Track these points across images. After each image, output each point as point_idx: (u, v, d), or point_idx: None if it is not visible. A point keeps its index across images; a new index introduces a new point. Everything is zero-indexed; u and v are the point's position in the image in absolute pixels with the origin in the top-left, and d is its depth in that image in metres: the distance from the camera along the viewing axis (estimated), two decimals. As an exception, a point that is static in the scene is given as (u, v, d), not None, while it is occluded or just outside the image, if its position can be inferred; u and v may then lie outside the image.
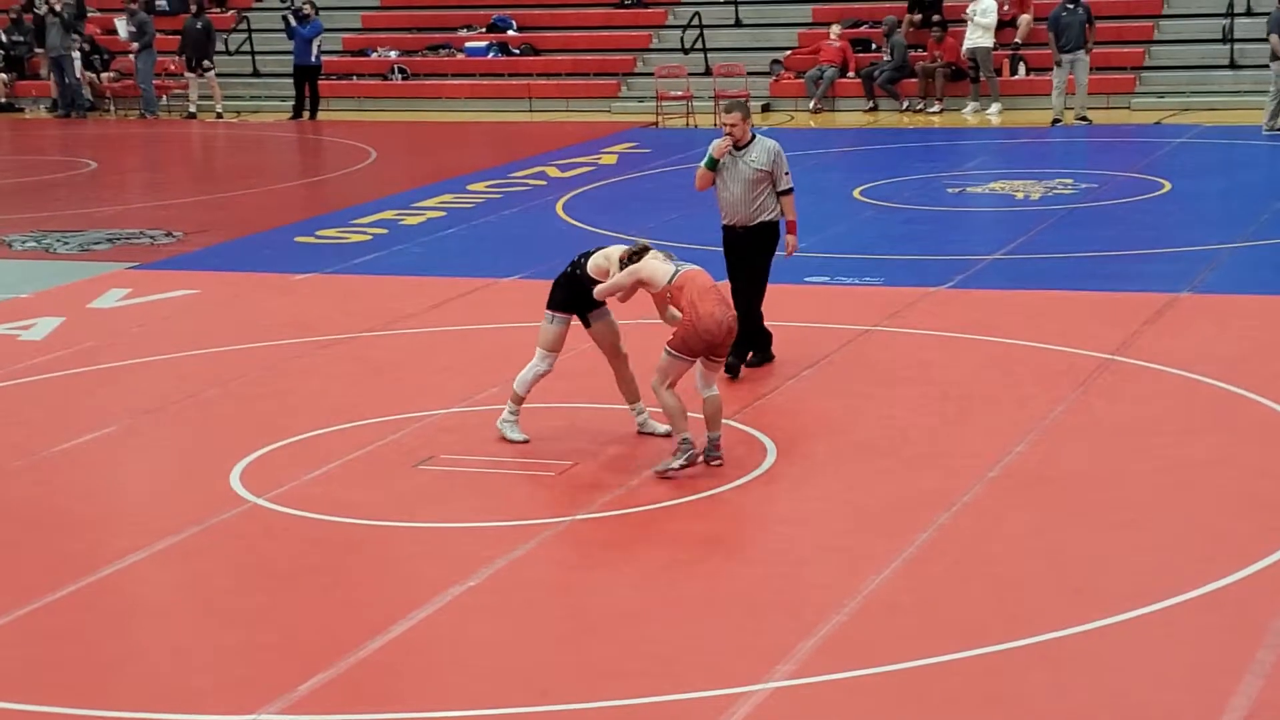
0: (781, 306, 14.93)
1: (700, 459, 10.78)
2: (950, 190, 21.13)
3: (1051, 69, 26.61)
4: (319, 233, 19.75)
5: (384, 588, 9.39)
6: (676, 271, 10.85)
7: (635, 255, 11.04)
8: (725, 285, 11.90)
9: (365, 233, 19.59)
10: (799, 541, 9.97)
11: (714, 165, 12.89)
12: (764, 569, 9.53)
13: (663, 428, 11.36)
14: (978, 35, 28.01)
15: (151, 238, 19.76)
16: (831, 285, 15.99)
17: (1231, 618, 8.56)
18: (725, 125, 12.85)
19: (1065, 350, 13.34)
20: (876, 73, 28.90)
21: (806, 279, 16.15)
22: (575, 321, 11.58)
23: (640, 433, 11.58)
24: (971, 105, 28.16)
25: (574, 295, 11.43)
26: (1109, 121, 26.67)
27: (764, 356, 13.14)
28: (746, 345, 12.88)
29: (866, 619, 8.66)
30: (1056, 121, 26.34)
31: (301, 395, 13.09)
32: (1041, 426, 11.54)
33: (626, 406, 11.68)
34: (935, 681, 7.99)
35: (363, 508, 10.49)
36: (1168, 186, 20.53)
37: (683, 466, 10.66)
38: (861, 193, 20.89)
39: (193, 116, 31.48)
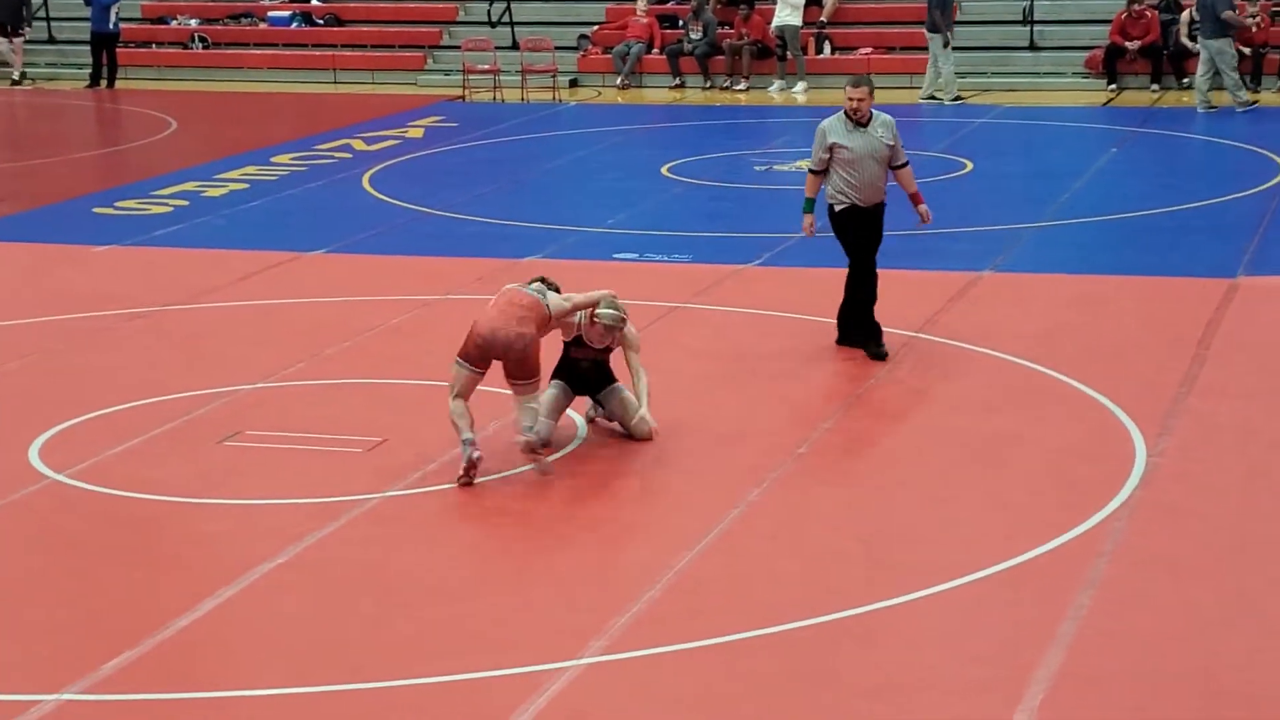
0: (590, 284, 14.91)
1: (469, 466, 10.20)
2: (757, 168, 21.25)
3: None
4: (118, 204, 19.37)
5: (190, 565, 9.23)
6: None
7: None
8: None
9: (166, 204, 19.25)
10: (610, 518, 9.97)
11: (811, 207, 12.81)
12: (576, 546, 9.51)
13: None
14: (786, 13, 28.19)
15: (-56, 207, 19.26)
16: (640, 262, 16.00)
17: (1035, 592, 8.71)
18: (853, 99, 12.37)
19: (872, 327, 13.46)
20: (689, 47, 28.95)
21: (615, 255, 16.16)
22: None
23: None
24: (777, 84, 28.33)
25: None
26: (911, 101, 26.97)
27: (878, 352, 12.55)
28: (865, 334, 12.64)
29: (679, 595, 8.68)
30: (959, 99, 26.40)
31: (103, 369, 12.83)
32: (849, 403, 11.65)
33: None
34: (747, 656, 8.03)
35: (167, 484, 10.30)
36: (970, 166, 20.82)
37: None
38: (669, 169, 20.93)
39: (17, 83, 30.72)
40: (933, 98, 26.40)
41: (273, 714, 7.62)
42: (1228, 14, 24.59)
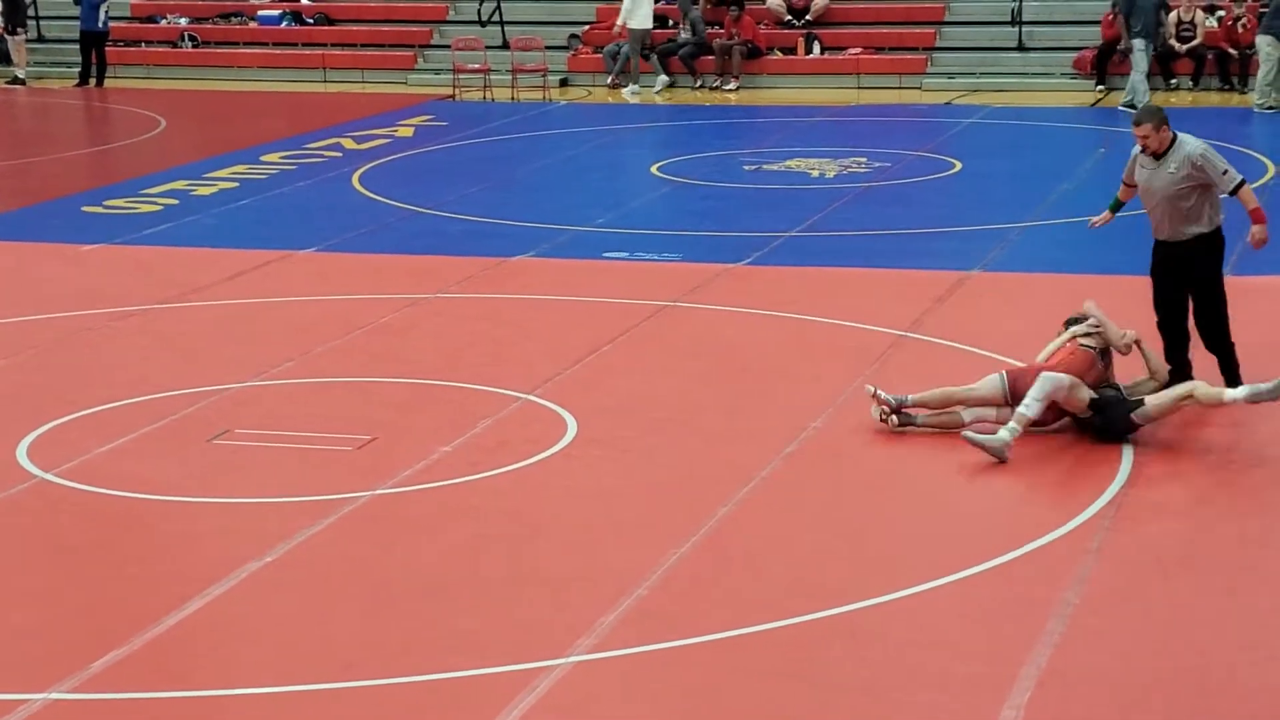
0: (580, 282, 14.97)
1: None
2: (747, 167, 21.27)
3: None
4: (107, 203, 19.36)
5: (179, 563, 9.24)
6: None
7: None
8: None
9: (155, 203, 19.25)
10: (599, 516, 9.98)
11: (1118, 207, 12.12)
12: (565, 544, 9.52)
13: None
14: (636, 18, 28.30)
15: (-67, 205, 19.24)
16: (630, 261, 16.01)
17: (1023, 590, 8.73)
18: (1137, 137, 11.45)
19: (859, 327, 13.50)
20: (679, 50, 28.97)
21: (605, 254, 16.17)
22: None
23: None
24: (631, 86, 28.37)
25: None
26: (901, 101, 27.02)
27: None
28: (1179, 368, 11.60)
29: (667, 593, 8.69)
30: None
31: (92, 368, 12.83)
32: (837, 402, 11.67)
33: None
34: (735, 654, 8.05)
35: (156, 482, 10.30)
36: (958, 166, 20.85)
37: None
38: (659, 169, 20.96)
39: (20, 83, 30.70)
40: (1131, 105, 25.81)
41: (262, 713, 7.62)
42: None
